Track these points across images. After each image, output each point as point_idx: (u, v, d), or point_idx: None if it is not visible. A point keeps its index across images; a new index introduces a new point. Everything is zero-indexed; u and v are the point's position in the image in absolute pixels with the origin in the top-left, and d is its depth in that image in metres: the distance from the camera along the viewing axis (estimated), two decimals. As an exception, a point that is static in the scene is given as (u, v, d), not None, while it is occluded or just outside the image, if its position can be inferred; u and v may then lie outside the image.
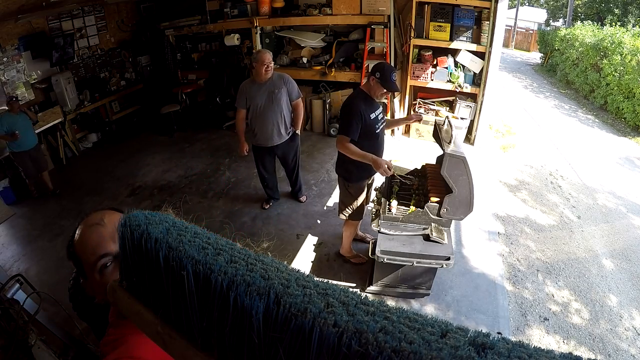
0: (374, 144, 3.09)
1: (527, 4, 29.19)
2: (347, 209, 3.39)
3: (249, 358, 0.69)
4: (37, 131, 5.80)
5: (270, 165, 4.42)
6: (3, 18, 5.27)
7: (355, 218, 3.46)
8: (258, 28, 6.33)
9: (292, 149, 4.29)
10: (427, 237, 2.91)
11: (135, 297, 0.99)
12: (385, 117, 3.30)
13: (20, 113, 5.11)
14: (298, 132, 4.19)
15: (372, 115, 3.00)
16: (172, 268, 0.73)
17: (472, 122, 5.85)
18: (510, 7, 18.22)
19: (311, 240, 4.14)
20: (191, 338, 0.83)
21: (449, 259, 2.83)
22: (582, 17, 20.42)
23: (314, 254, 3.93)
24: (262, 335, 0.61)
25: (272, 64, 3.85)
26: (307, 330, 0.57)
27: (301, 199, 4.75)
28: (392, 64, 5.77)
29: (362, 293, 0.65)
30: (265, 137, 4.05)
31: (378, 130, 3.07)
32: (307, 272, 0.83)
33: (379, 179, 3.48)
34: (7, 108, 5.02)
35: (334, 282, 0.69)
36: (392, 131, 6.23)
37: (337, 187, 3.59)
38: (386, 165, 2.90)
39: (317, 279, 0.66)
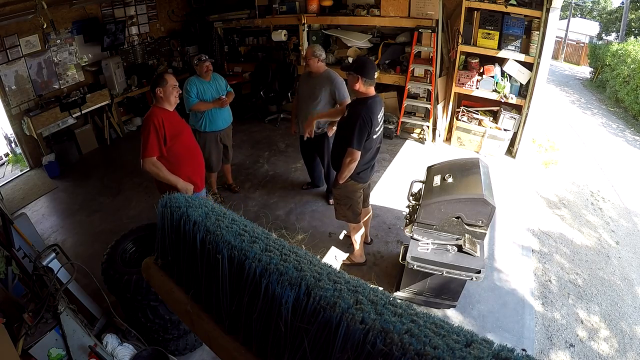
0: None
1: (579, 15, 27.97)
2: None
3: (273, 346, 0.71)
4: (84, 111, 6.06)
5: (307, 154, 4.58)
6: (59, 2, 5.53)
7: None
8: (305, 25, 6.38)
9: (326, 147, 4.22)
10: (459, 248, 2.86)
11: (168, 276, 1.04)
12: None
13: (216, 78, 4.19)
14: (330, 133, 4.10)
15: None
16: (208, 251, 0.76)
17: (515, 134, 5.69)
18: (561, 18, 17.48)
19: (343, 241, 4.14)
20: (219, 320, 0.86)
21: (479, 272, 2.78)
22: (636, 32, 19.38)
23: (345, 254, 3.93)
24: (289, 324, 0.63)
25: (315, 59, 3.82)
26: (334, 324, 0.58)
27: (330, 201, 4.58)
28: (438, 69, 5.69)
29: (391, 295, 0.65)
30: (300, 126, 4.12)
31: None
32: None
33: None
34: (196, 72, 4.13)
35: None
36: (433, 138, 6.15)
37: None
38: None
39: (349, 275, 0.67)
